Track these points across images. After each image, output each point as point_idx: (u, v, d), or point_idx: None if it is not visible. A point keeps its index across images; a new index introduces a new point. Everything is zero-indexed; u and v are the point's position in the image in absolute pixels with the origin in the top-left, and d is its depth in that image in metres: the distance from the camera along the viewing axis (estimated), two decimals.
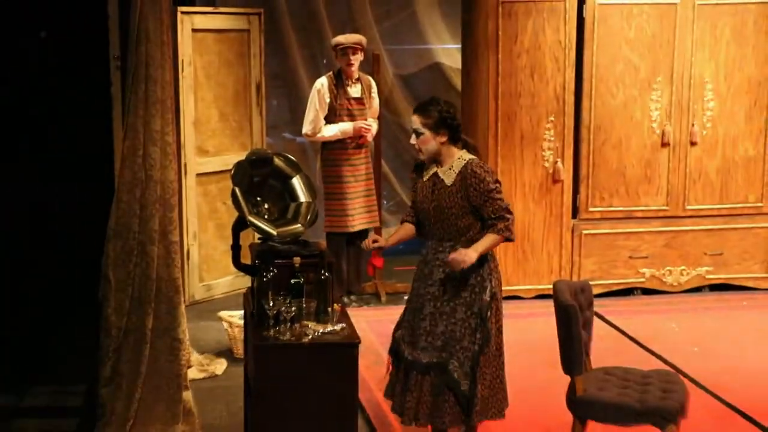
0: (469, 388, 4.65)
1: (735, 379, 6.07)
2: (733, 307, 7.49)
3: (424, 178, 4.77)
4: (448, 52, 9.23)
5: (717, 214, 7.73)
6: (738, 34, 7.54)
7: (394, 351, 4.86)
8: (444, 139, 4.68)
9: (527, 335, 6.67)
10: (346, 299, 7.32)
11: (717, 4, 7.49)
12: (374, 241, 4.88)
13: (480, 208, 4.64)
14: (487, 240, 4.62)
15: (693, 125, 7.59)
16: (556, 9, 7.33)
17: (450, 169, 4.69)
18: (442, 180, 4.69)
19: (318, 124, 7.17)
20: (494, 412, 4.76)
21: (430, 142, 4.68)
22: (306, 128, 7.23)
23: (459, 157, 4.70)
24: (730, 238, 7.76)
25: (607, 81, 7.47)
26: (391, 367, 4.90)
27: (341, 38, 7.21)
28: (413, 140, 4.73)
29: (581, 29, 7.39)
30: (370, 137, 7.32)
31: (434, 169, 4.74)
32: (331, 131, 7.16)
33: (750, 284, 7.84)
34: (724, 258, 7.77)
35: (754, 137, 7.69)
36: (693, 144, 7.61)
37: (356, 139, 7.21)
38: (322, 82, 7.22)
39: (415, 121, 4.69)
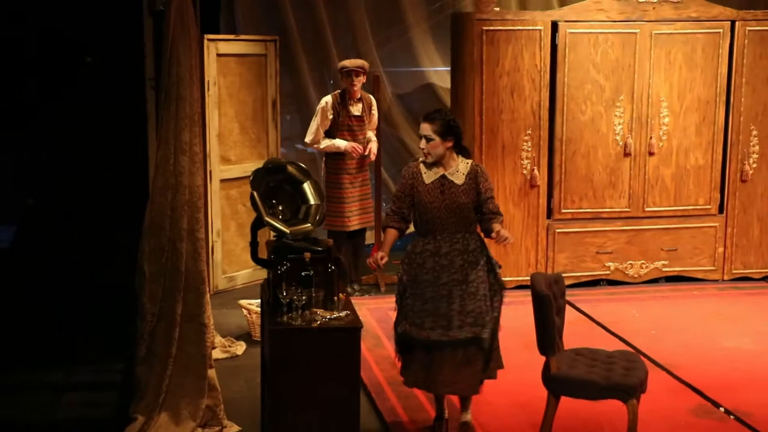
0: (491, 346, 4.67)
1: (687, 358, 6.05)
2: (686, 296, 7.47)
3: (426, 182, 4.72)
4: (439, 74, 9.19)
5: (672, 215, 7.70)
6: (689, 60, 7.52)
7: (402, 343, 4.75)
8: (450, 144, 4.67)
9: (507, 320, 6.59)
10: (349, 289, 7.30)
11: (671, 33, 7.47)
12: (381, 257, 4.74)
13: (484, 203, 4.66)
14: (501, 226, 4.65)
15: (651, 138, 7.56)
16: (532, 37, 7.31)
17: (457, 171, 4.68)
18: (452, 181, 4.67)
19: (317, 136, 7.16)
20: (500, 365, 4.80)
21: (439, 147, 4.65)
22: (307, 137, 7.25)
23: (462, 161, 4.70)
24: (683, 236, 7.73)
25: (577, 99, 7.44)
26: (399, 360, 4.80)
27: (346, 62, 7.18)
28: (423, 144, 4.68)
29: (554, 54, 7.37)
30: (373, 157, 7.31)
31: (440, 173, 4.69)
32: (326, 143, 7.15)
33: (700, 276, 7.82)
34: (678, 253, 7.74)
35: (703, 148, 7.67)
36: (651, 154, 7.58)
37: (362, 159, 7.20)
38: (327, 100, 7.19)
39: (426, 128, 4.64)
